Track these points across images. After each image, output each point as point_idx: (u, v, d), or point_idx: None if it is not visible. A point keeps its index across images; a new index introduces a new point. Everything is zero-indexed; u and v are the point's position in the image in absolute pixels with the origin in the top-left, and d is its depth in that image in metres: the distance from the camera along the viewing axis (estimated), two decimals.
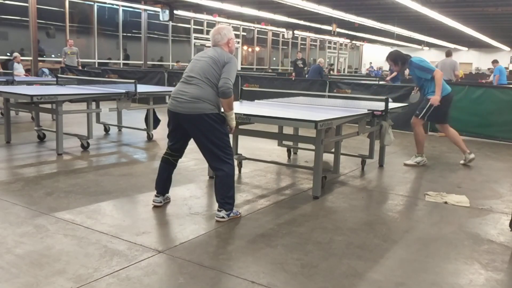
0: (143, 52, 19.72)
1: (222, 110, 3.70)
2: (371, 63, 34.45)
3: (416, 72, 6.06)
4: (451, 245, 3.42)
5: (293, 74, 16.98)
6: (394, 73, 6.38)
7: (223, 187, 3.71)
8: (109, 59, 18.38)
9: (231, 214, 3.77)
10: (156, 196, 4.04)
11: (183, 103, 3.61)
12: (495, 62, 14.67)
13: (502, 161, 6.74)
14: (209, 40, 3.93)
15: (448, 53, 11.66)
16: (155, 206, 4.00)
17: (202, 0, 16.49)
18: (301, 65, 16.49)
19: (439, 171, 5.88)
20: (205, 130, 3.62)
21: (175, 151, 3.93)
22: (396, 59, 6.16)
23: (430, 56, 34.96)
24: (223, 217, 3.71)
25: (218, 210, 3.74)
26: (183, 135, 3.83)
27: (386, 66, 32.94)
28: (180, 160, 3.99)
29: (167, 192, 4.11)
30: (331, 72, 25.72)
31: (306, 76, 15.68)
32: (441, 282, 2.82)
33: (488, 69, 17.10)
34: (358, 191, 4.84)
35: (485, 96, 8.49)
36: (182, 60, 20.05)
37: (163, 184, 4.03)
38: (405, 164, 6.13)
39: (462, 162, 6.31)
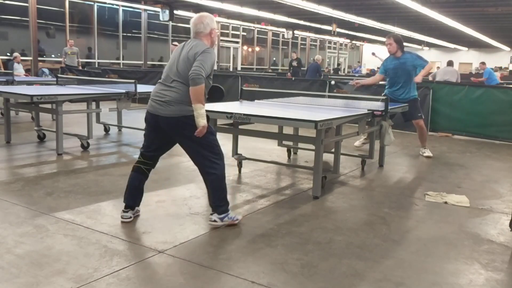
0: (143, 52, 19.72)
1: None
2: (358, 62, 34.30)
3: (411, 62, 6.24)
4: (451, 245, 3.42)
5: (289, 74, 17.04)
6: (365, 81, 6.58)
7: (215, 191, 3.53)
8: (89, 49, 18.05)
9: (226, 219, 3.56)
10: (124, 211, 3.63)
11: (163, 105, 3.38)
12: (483, 64, 14.81)
13: (502, 161, 6.74)
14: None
15: (449, 63, 12.08)
16: (123, 223, 3.61)
17: (202, 0, 16.48)
18: (295, 65, 16.63)
19: (439, 171, 5.88)
20: (188, 132, 3.35)
21: (148, 159, 3.66)
22: (399, 41, 6.37)
23: (430, 56, 34.94)
24: (215, 221, 3.55)
25: (211, 214, 3.61)
26: (161, 141, 3.60)
27: None
28: (180, 160, 3.97)
29: (138, 205, 3.72)
30: (339, 72, 25.66)
31: (305, 75, 15.66)
32: (441, 282, 2.82)
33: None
34: (358, 191, 4.84)
35: (485, 96, 8.49)
36: None
37: (133, 197, 3.65)
38: (428, 157, 6.64)
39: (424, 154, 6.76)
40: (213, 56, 3.42)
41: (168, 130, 3.47)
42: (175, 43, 12.06)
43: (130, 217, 3.66)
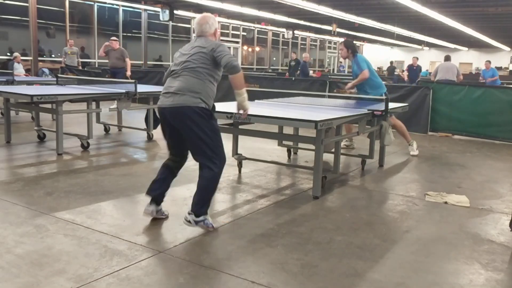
0: (143, 52, 19.72)
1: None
2: (341, 62, 34.12)
3: (356, 65, 6.40)
4: (451, 245, 3.42)
5: (287, 74, 17.06)
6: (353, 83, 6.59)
7: (202, 189, 3.38)
8: (82, 48, 17.85)
9: (201, 223, 3.37)
10: (149, 204, 3.62)
11: (169, 97, 3.36)
12: (489, 62, 14.94)
13: (502, 161, 6.74)
14: None
15: (447, 58, 11.94)
16: (147, 216, 3.62)
17: (202, 0, 16.48)
18: (293, 65, 16.85)
19: (439, 171, 5.88)
20: (191, 124, 3.31)
21: (175, 155, 3.64)
22: (350, 45, 6.56)
23: (430, 56, 35.03)
24: (189, 222, 3.35)
25: (188, 213, 3.37)
26: (177, 135, 3.50)
27: (385, 67, 32.88)
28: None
29: (162, 200, 3.67)
30: (394, 72, 24.05)
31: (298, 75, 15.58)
32: (441, 282, 2.82)
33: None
34: (358, 191, 4.83)
35: (485, 96, 8.49)
36: None
37: (158, 188, 3.60)
38: (414, 155, 6.68)
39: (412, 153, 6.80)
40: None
41: (173, 122, 3.40)
42: (114, 38, 11.43)
43: (152, 212, 3.61)
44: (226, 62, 3.28)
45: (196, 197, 3.41)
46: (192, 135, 3.35)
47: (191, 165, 5.46)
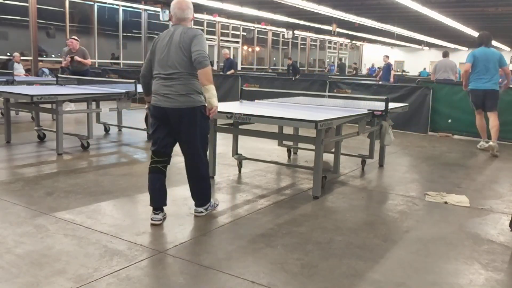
0: (143, 52, 19.72)
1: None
2: (333, 62, 33.97)
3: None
4: (451, 245, 3.42)
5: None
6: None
7: (206, 178, 3.74)
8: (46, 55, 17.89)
9: (209, 208, 3.82)
10: (155, 213, 3.60)
11: (173, 97, 3.46)
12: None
13: (502, 161, 6.74)
14: (209, 40, 3.89)
15: (446, 54, 11.76)
16: (153, 225, 3.56)
17: (202, 0, 16.48)
18: (291, 68, 19.13)
19: (439, 171, 5.88)
20: (193, 124, 3.51)
21: (162, 155, 3.62)
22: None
23: (430, 56, 35.04)
24: (201, 212, 3.77)
25: (197, 206, 3.78)
26: (168, 134, 3.58)
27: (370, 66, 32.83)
28: (180, 160, 3.92)
29: (165, 205, 3.69)
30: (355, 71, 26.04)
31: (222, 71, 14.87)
32: (441, 282, 2.82)
33: None
34: (358, 191, 4.83)
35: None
36: None
37: (159, 197, 3.64)
38: (483, 148, 7.32)
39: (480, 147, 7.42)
40: (204, 37, 3.58)
41: (175, 121, 3.53)
42: (74, 37, 10.20)
43: (160, 220, 3.61)
44: (195, 57, 3.37)
45: (200, 189, 3.74)
46: (195, 132, 3.55)
47: None
